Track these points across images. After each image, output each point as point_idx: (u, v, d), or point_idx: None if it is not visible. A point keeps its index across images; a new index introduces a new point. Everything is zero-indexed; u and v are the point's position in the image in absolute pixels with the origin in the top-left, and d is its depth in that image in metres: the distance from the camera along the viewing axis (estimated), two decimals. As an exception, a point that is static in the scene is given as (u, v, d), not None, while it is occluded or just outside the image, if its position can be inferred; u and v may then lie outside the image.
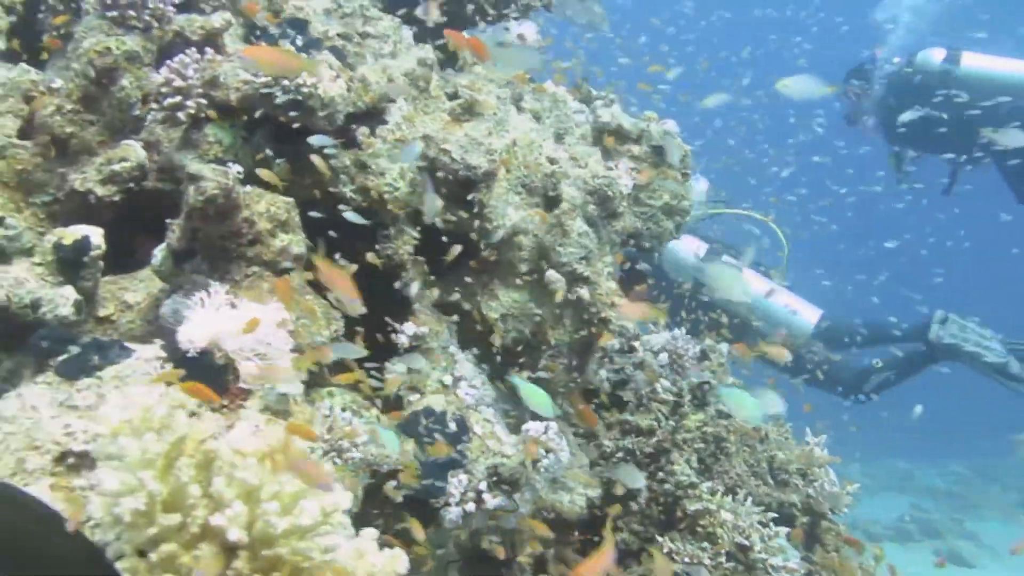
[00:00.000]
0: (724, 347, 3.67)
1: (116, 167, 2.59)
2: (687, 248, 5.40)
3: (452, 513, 2.42)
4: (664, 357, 3.42)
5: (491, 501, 2.48)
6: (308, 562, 1.31)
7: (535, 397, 2.40)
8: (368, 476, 2.25)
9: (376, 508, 2.31)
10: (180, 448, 1.31)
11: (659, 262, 5.30)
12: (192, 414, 1.39)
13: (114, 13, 2.62)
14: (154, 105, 2.58)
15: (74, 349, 1.88)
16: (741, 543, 2.96)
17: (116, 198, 2.60)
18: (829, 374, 5.71)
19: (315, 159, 2.48)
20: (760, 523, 3.02)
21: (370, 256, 2.59)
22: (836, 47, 6.14)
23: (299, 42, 2.65)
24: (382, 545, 1.44)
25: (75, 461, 1.60)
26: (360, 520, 1.87)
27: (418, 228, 2.70)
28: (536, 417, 2.57)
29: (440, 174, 2.71)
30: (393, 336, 2.66)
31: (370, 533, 1.43)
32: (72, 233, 2.33)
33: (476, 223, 2.75)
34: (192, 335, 1.82)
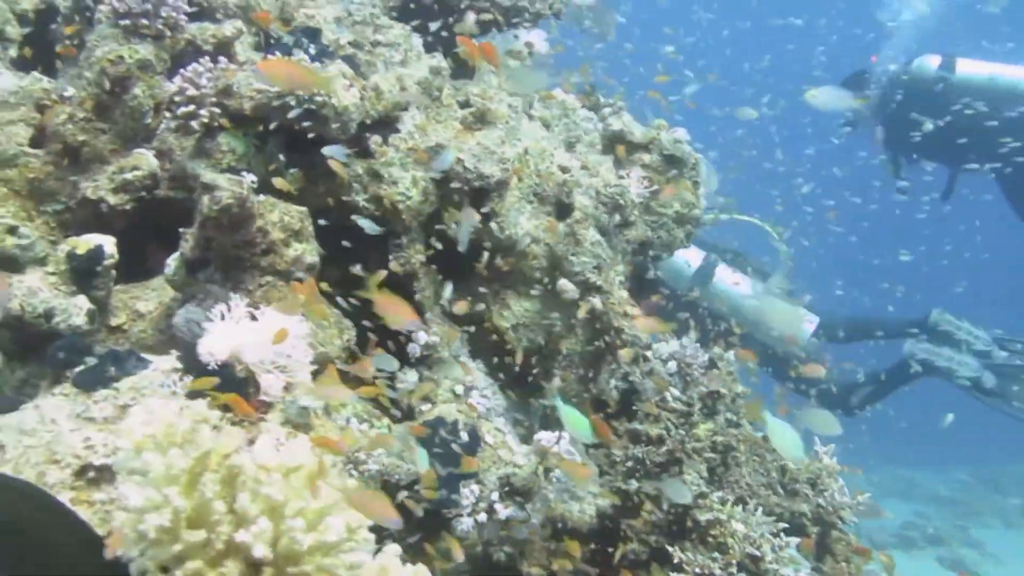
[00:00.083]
0: (731, 355, 3.66)
1: (128, 176, 2.59)
2: (682, 256, 5.37)
3: (464, 523, 2.41)
4: (672, 365, 3.41)
5: (503, 511, 2.47)
6: (333, 579, 1.30)
7: (574, 420, 2.39)
8: (378, 487, 2.24)
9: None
10: (205, 463, 1.30)
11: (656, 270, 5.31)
12: (215, 428, 1.38)
13: (127, 22, 2.62)
14: (167, 114, 2.58)
15: (91, 360, 1.87)
16: (752, 553, 2.95)
17: (128, 207, 2.60)
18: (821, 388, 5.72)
19: (334, 164, 2.48)
20: (771, 533, 3.01)
21: (392, 266, 2.58)
22: (854, 56, 6.14)
23: (312, 51, 2.64)
24: (404, 560, 1.43)
25: (95, 475, 1.60)
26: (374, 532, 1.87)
27: (432, 238, 2.69)
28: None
29: (454, 184, 2.70)
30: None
31: (393, 549, 1.42)
32: (85, 242, 2.33)
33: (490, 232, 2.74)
34: (213, 347, 1.81)
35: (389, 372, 2.50)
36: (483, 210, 2.73)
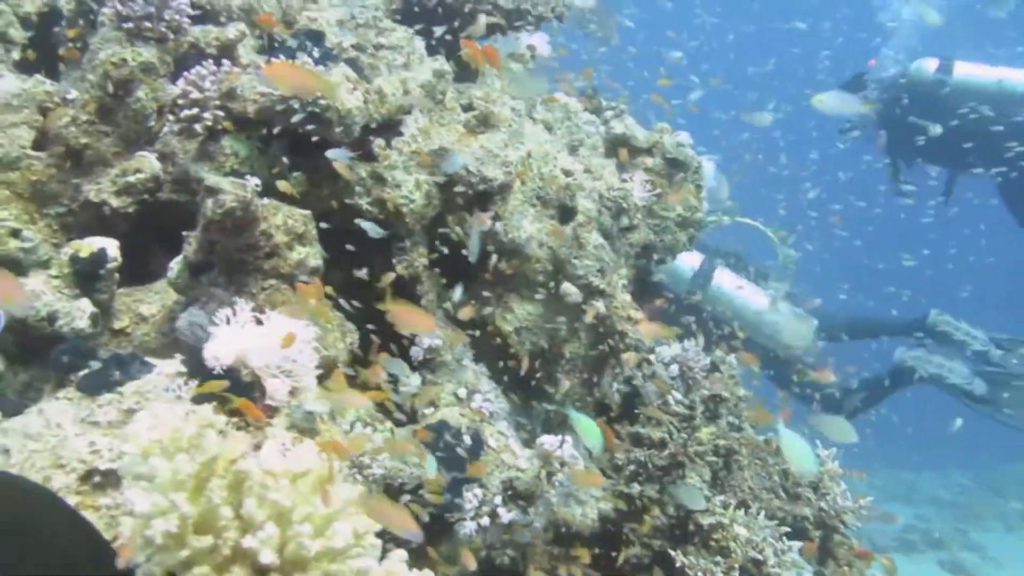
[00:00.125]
0: (733, 359, 3.65)
1: (131, 178, 2.58)
2: (681, 259, 5.37)
3: (467, 527, 2.41)
4: (675, 369, 3.41)
5: (506, 516, 2.47)
6: (341, 585, 1.29)
7: (586, 428, 2.40)
8: (381, 491, 2.24)
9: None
10: (211, 468, 1.30)
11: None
12: (221, 432, 1.37)
13: (130, 25, 2.62)
14: (170, 117, 2.58)
15: (95, 364, 1.86)
16: (755, 557, 2.94)
17: (130, 210, 2.59)
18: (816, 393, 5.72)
19: (339, 166, 2.47)
20: (773, 537, 3.01)
21: (399, 269, 2.58)
22: (859, 60, 6.14)
23: (315, 54, 2.64)
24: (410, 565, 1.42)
25: (101, 480, 1.59)
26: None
27: (436, 241, 2.69)
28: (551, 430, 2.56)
29: (458, 189, 2.70)
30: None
31: (399, 555, 1.42)
32: (88, 245, 2.32)
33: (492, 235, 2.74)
34: (218, 352, 1.80)
35: (392, 376, 2.50)
36: (488, 214, 2.73)
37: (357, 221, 2.54)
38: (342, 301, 2.46)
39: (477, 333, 2.79)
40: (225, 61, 2.64)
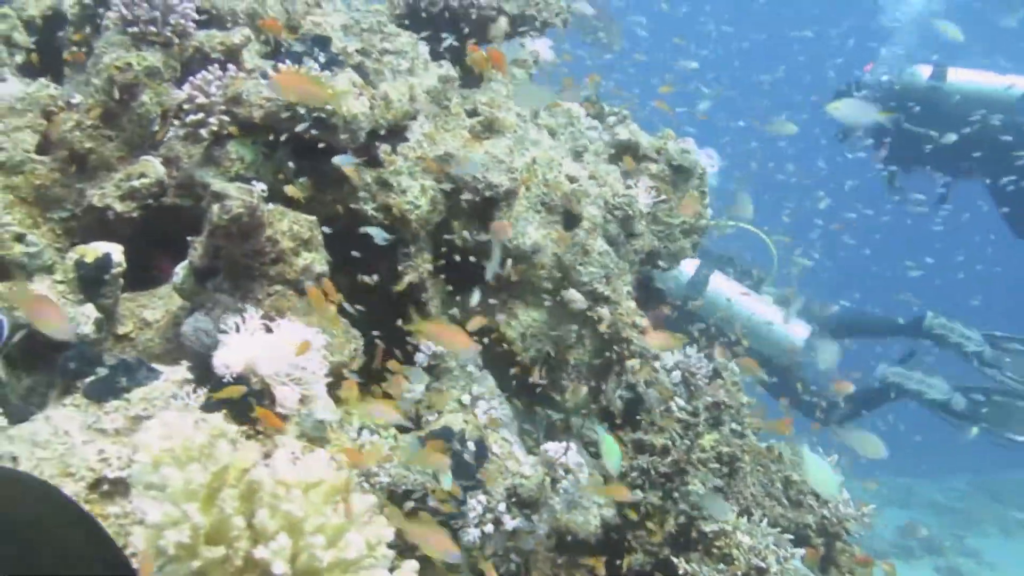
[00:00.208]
0: (735, 365, 3.65)
1: (135, 183, 2.57)
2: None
3: (470, 534, 2.40)
4: (677, 375, 3.40)
5: (510, 523, 2.46)
6: (353, 596, 1.29)
7: (611, 450, 2.40)
8: (385, 497, 2.23)
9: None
10: (223, 478, 1.29)
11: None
12: (232, 442, 1.36)
13: (135, 29, 2.61)
14: (176, 121, 2.57)
15: (101, 370, 1.85)
16: (757, 565, 2.94)
17: (134, 214, 2.59)
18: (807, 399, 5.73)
19: (348, 169, 2.47)
20: (776, 544, 3.00)
21: (410, 277, 2.58)
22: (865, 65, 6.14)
23: (321, 59, 2.63)
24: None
25: (109, 488, 1.58)
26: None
27: (444, 249, 2.69)
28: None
29: (465, 196, 2.70)
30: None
31: (411, 565, 1.41)
32: (93, 250, 2.31)
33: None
34: (228, 360, 1.79)
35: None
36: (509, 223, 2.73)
37: (364, 229, 2.53)
38: (347, 306, 2.45)
39: (486, 340, 2.78)
40: (231, 66, 2.63)
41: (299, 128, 2.45)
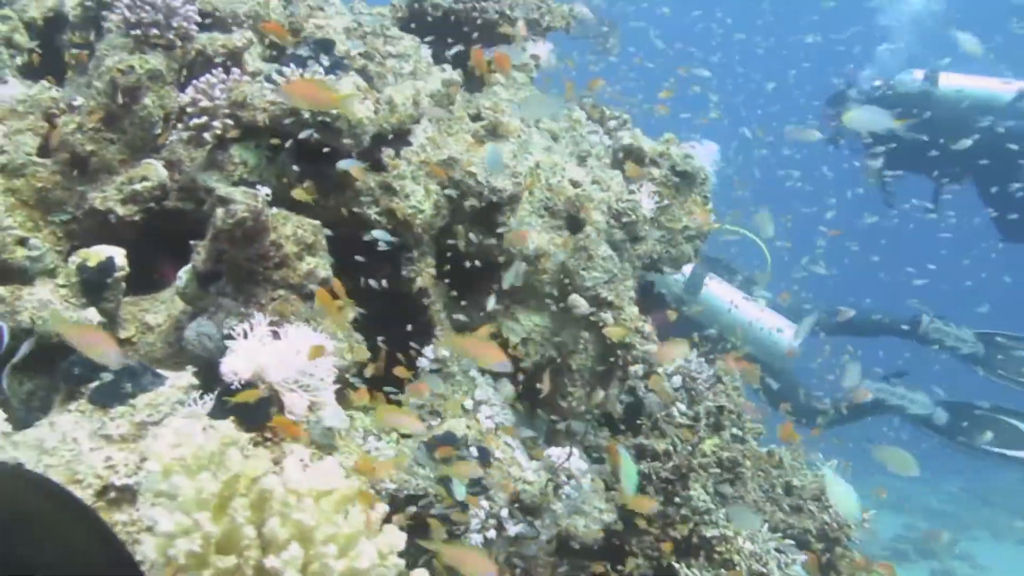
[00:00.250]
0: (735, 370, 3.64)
1: (137, 186, 2.56)
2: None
3: (473, 540, 2.39)
4: (677, 380, 3.40)
5: (512, 528, 2.45)
6: (364, 605, 1.27)
7: (629, 473, 2.41)
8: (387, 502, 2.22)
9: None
10: (234, 487, 1.28)
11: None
12: (242, 449, 1.35)
13: (137, 32, 2.60)
14: (179, 124, 2.56)
15: (106, 376, 1.84)
16: (758, 570, 2.94)
17: (136, 217, 2.58)
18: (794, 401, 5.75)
19: (356, 171, 2.46)
20: (777, 550, 3.00)
21: (421, 281, 2.57)
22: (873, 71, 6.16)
23: (325, 63, 2.62)
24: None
25: (116, 495, 1.57)
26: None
27: (449, 254, 2.68)
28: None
29: (470, 202, 2.69)
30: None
31: (421, 574, 1.41)
32: (96, 254, 2.30)
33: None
34: (236, 366, 1.78)
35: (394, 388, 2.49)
36: (499, 230, 2.72)
37: (372, 233, 2.52)
38: (351, 310, 2.44)
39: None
40: (234, 69, 2.62)
41: (302, 135, 2.44)
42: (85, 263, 2.28)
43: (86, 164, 2.58)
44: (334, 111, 2.45)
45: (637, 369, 2.91)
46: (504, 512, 2.44)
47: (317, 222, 2.42)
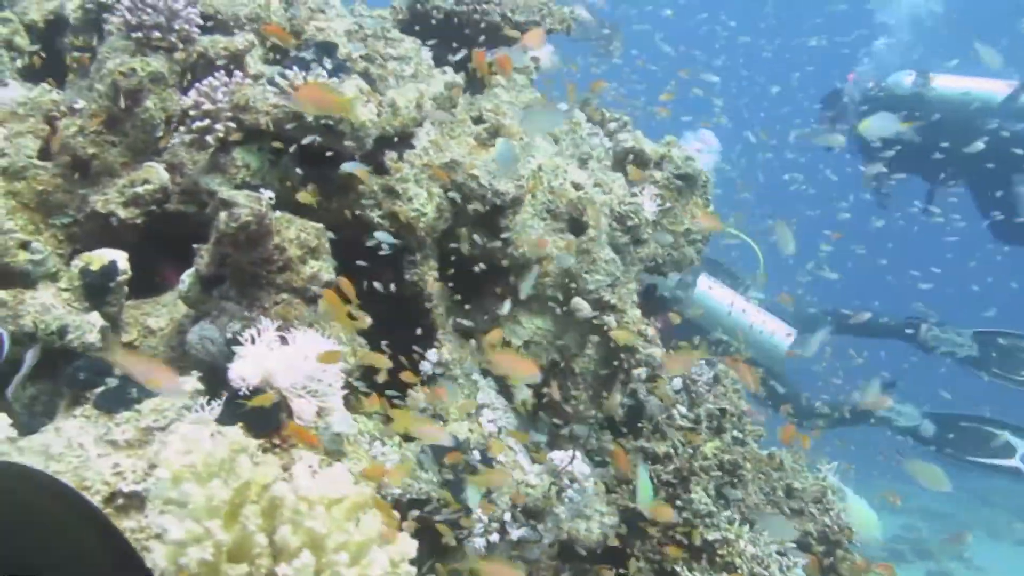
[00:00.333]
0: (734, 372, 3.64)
1: (139, 189, 2.55)
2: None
3: (476, 543, 2.39)
4: (678, 382, 3.40)
5: (515, 532, 2.45)
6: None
7: (644, 487, 2.42)
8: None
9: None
10: (245, 494, 1.28)
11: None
12: (252, 456, 1.35)
13: (139, 34, 2.59)
14: (181, 128, 2.55)
15: (111, 381, 1.83)
16: (760, 573, 2.94)
17: (138, 221, 2.56)
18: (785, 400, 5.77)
19: (360, 173, 2.45)
20: (778, 552, 3.00)
21: (431, 287, 2.57)
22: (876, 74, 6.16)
23: (328, 66, 2.62)
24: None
25: (124, 502, 1.56)
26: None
27: (453, 258, 2.67)
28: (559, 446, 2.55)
29: (473, 205, 2.68)
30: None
31: (432, 580, 1.40)
32: (99, 258, 2.29)
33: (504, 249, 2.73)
34: (244, 372, 1.77)
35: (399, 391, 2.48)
36: (501, 233, 2.72)
37: (375, 234, 2.51)
38: (354, 313, 2.43)
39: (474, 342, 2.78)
40: (237, 72, 2.61)
41: (308, 135, 2.43)
42: (88, 267, 2.26)
43: (87, 167, 2.57)
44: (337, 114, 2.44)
45: (640, 373, 2.90)
46: (507, 516, 2.44)
47: (320, 225, 2.41)
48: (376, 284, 2.48)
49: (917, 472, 2.65)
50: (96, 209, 2.54)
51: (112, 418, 1.74)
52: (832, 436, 5.67)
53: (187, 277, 2.33)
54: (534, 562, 2.61)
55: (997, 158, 5.61)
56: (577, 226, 2.89)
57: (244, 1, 2.92)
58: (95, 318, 2.25)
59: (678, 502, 3.05)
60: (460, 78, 3.03)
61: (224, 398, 1.80)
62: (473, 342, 2.80)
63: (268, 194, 2.33)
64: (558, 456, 2.62)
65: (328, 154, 2.50)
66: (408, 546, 1.35)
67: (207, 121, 2.49)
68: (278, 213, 2.36)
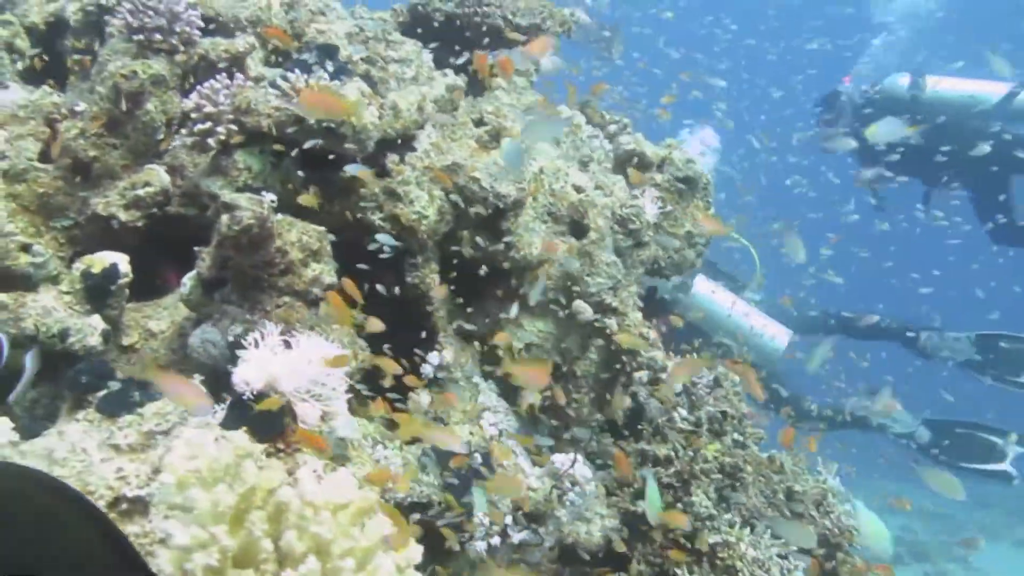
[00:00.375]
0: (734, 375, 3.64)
1: (140, 192, 2.55)
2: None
3: (477, 546, 2.38)
4: (678, 385, 3.40)
5: (516, 535, 2.44)
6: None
7: (653, 498, 2.42)
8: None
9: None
10: (250, 500, 1.27)
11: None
12: (256, 461, 1.34)
13: (140, 37, 2.59)
14: (182, 130, 2.54)
15: (114, 384, 1.82)
16: (761, 576, 2.93)
17: (139, 223, 2.56)
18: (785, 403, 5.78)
19: (364, 174, 2.45)
20: (779, 556, 3.00)
21: (438, 289, 2.57)
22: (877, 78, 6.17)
23: (330, 68, 2.61)
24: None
25: (128, 507, 1.55)
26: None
27: (455, 260, 2.67)
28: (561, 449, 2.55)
29: (474, 208, 2.68)
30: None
31: (437, 585, 1.40)
32: (100, 260, 2.29)
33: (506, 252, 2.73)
34: (248, 376, 1.77)
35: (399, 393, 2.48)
36: (503, 236, 2.71)
37: (377, 236, 2.51)
38: (355, 314, 2.43)
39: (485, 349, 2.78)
40: (238, 75, 2.61)
41: (310, 138, 2.43)
42: (89, 269, 2.26)
43: (88, 169, 2.56)
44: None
45: (642, 375, 2.90)
46: (508, 519, 2.43)
47: (322, 228, 2.41)
48: (378, 287, 2.48)
49: (932, 480, 2.66)
50: (97, 212, 2.53)
51: (115, 422, 1.74)
52: (832, 439, 5.68)
53: (188, 280, 2.32)
54: (535, 565, 2.61)
55: (999, 161, 5.61)
56: (578, 229, 2.89)
57: (245, 3, 2.92)
58: (96, 321, 2.24)
59: (679, 505, 3.05)
60: (461, 80, 3.02)
61: (227, 402, 1.79)
62: (476, 343, 2.80)
63: (270, 197, 2.32)
64: (559, 459, 2.61)
65: (330, 157, 2.50)
66: (414, 551, 1.34)
67: (208, 124, 2.48)
68: (280, 216, 2.35)
